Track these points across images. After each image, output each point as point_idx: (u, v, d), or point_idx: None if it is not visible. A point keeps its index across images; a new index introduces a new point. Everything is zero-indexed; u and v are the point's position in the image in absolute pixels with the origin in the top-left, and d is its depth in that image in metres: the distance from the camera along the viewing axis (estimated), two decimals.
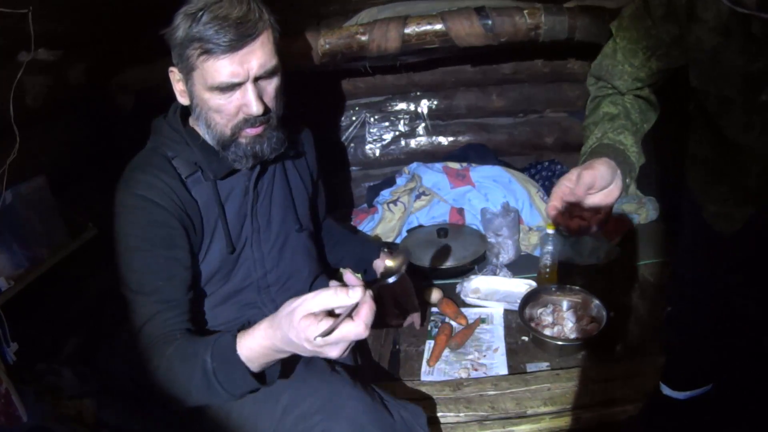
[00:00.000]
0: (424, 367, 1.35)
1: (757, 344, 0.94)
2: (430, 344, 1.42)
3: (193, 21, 0.88)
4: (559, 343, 1.32)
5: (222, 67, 0.88)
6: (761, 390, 0.98)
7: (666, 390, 1.05)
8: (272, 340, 0.77)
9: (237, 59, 0.88)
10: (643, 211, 1.97)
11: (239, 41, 0.87)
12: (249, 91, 0.91)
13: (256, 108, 0.92)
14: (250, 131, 0.96)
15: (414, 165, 2.12)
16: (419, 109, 2.28)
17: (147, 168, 0.96)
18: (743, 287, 0.92)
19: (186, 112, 1.04)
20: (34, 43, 0.96)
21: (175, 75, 0.97)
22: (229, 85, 0.90)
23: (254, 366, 0.81)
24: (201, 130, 0.99)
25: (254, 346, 0.80)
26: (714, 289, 0.96)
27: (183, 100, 1.00)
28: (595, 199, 0.78)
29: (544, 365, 1.31)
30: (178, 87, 0.98)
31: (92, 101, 1.46)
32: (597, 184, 0.77)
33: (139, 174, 0.95)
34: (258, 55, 0.90)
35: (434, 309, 1.57)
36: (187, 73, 0.93)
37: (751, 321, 0.93)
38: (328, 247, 1.40)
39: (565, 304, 1.46)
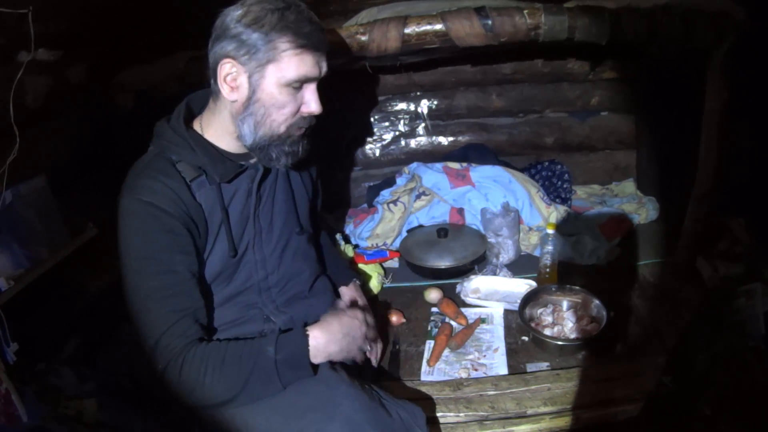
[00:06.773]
0: (424, 367, 1.35)
1: None
2: (430, 344, 1.42)
3: (282, 14, 0.91)
4: (559, 343, 1.32)
5: (307, 62, 0.94)
6: None
7: None
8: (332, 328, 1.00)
9: (318, 58, 0.96)
10: (643, 211, 1.97)
11: (323, 43, 0.96)
12: (314, 91, 0.98)
13: (319, 107, 0.98)
14: (297, 132, 1.00)
15: (414, 165, 2.12)
16: (419, 109, 2.28)
17: (151, 173, 0.94)
18: None
19: (189, 116, 1.03)
20: (34, 43, 0.96)
21: (231, 67, 0.93)
22: (306, 79, 0.95)
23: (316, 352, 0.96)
24: (243, 129, 0.97)
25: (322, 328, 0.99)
26: None
27: (232, 94, 0.95)
28: None
29: (544, 365, 1.31)
30: (232, 81, 0.95)
31: (92, 101, 1.47)
32: None
33: (143, 179, 0.93)
34: (326, 60, 0.98)
35: (434, 309, 1.57)
36: (260, 65, 0.92)
37: None
38: None
39: (565, 304, 1.46)
